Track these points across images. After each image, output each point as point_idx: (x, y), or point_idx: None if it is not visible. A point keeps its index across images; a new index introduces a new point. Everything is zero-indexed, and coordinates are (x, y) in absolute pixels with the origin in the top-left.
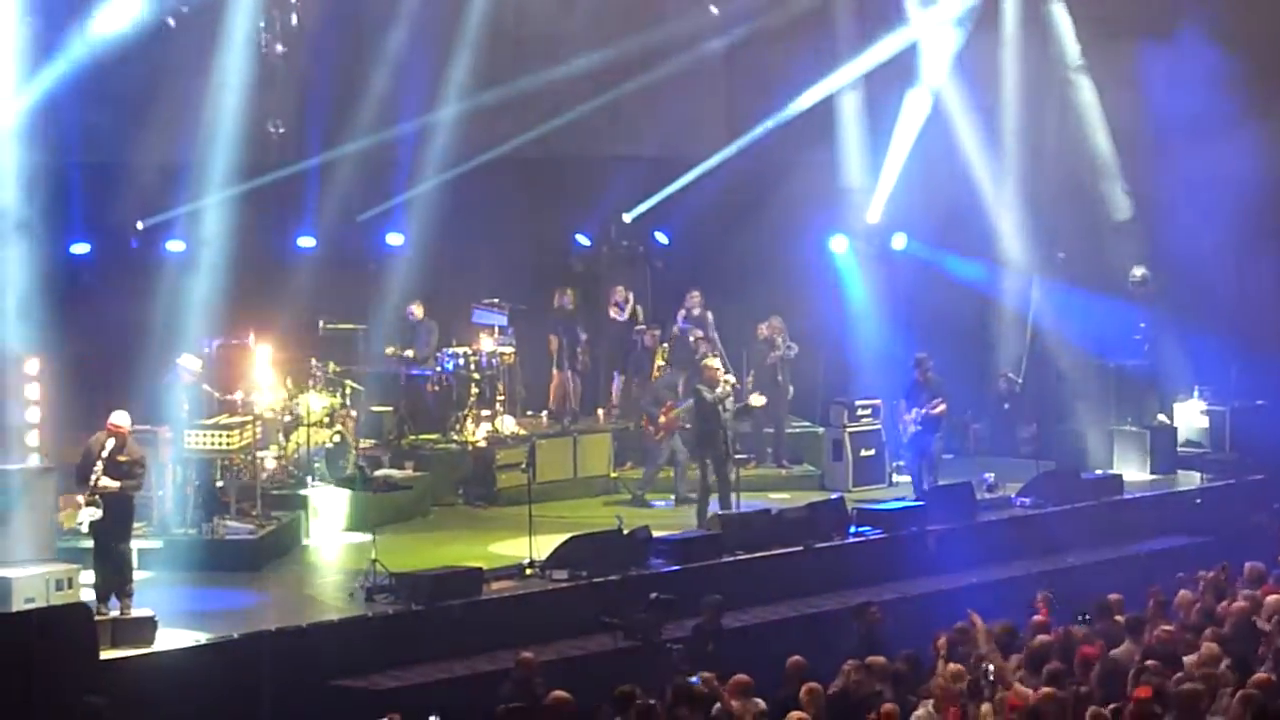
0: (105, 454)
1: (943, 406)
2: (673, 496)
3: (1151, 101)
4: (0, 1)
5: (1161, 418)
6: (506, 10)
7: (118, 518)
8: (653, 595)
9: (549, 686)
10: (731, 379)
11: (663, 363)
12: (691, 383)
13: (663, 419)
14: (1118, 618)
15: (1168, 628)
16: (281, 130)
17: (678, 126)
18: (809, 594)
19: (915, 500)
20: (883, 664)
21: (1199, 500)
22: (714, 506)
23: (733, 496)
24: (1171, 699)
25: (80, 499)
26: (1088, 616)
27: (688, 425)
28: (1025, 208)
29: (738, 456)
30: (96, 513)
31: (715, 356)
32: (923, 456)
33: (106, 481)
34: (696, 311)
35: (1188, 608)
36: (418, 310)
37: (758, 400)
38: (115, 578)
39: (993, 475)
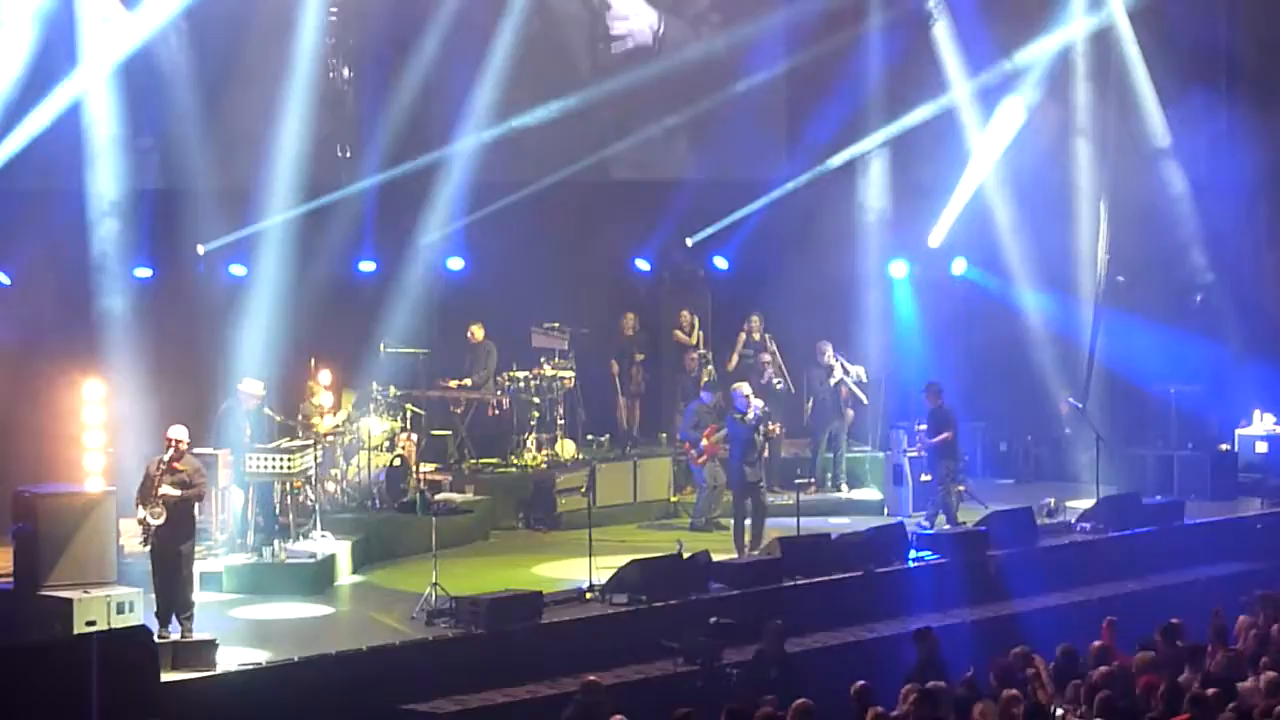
0: (164, 463)
1: (946, 435)
2: (702, 519)
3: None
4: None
5: (1223, 445)
6: (570, 30)
7: (179, 533)
8: (713, 619)
9: (610, 710)
10: (760, 403)
11: (704, 387)
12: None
13: (705, 442)
14: (1178, 643)
15: (1227, 652)
16: (349, 155)
17: (737, 149)
18: (869, 619)
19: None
20: (943, 689)
21: (1259, 525)
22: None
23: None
24: None
25: (142, 512)
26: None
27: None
28: (1090, 232)
29: (798, 481)
30: (160, 516)
31: (778, 381)
32: (934, 486)
33: (168, 489)
34: (757, 336)
35: (1244, 633)
36: (477, 332)
37: (775, 428)
38: (176, 600)
39: (1053, 500)
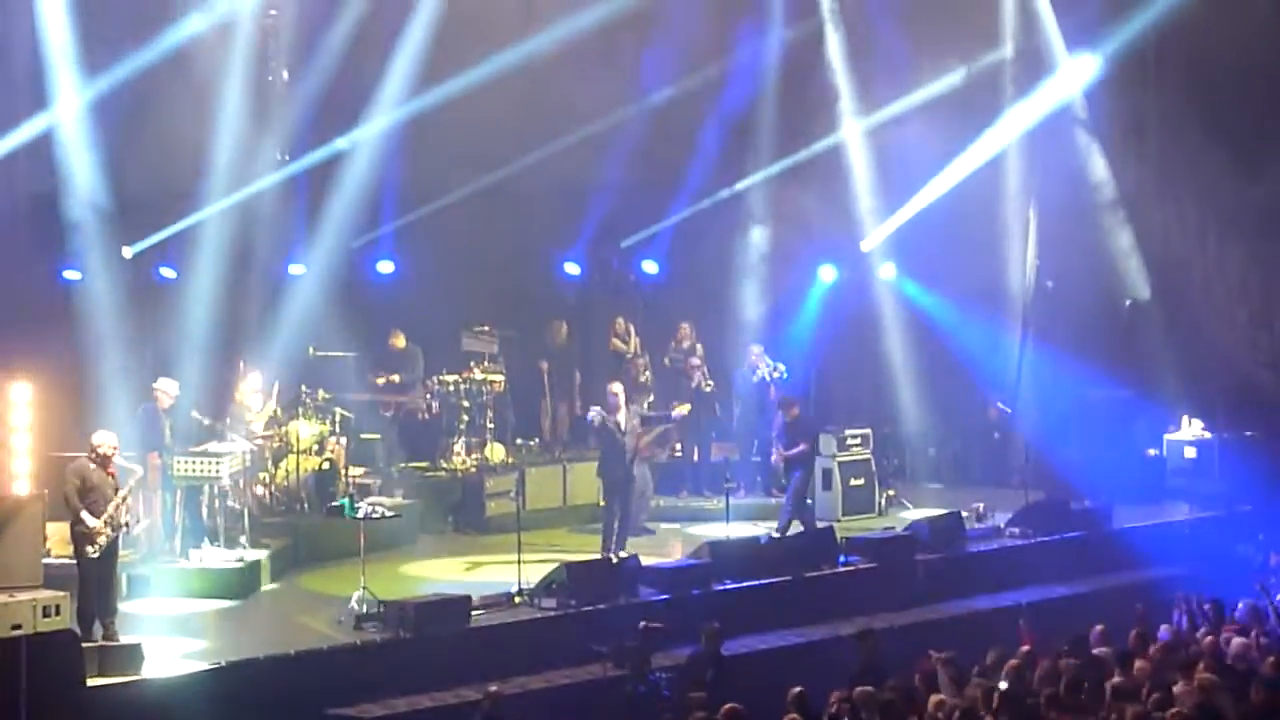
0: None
1: (802, 448)
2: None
3: None
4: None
5: (1151, 450)
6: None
7: (113, 538)
8: (642, 623)
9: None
10: (631, 408)
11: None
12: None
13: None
14: (1096, 651)
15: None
16: (286, 159)
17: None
18: (798, 623)
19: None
20: (870, 694)
21: (1188, 530)
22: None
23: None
24: None
25: (94, 522)
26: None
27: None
28: (1019, 237)
29: (726, 485)
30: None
31: (708, 385)
32: (788, 495)
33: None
34: (686, 344)
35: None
36: (399, 341)
37: (681, 409)
38: (101, 604)
39: (982, 505)
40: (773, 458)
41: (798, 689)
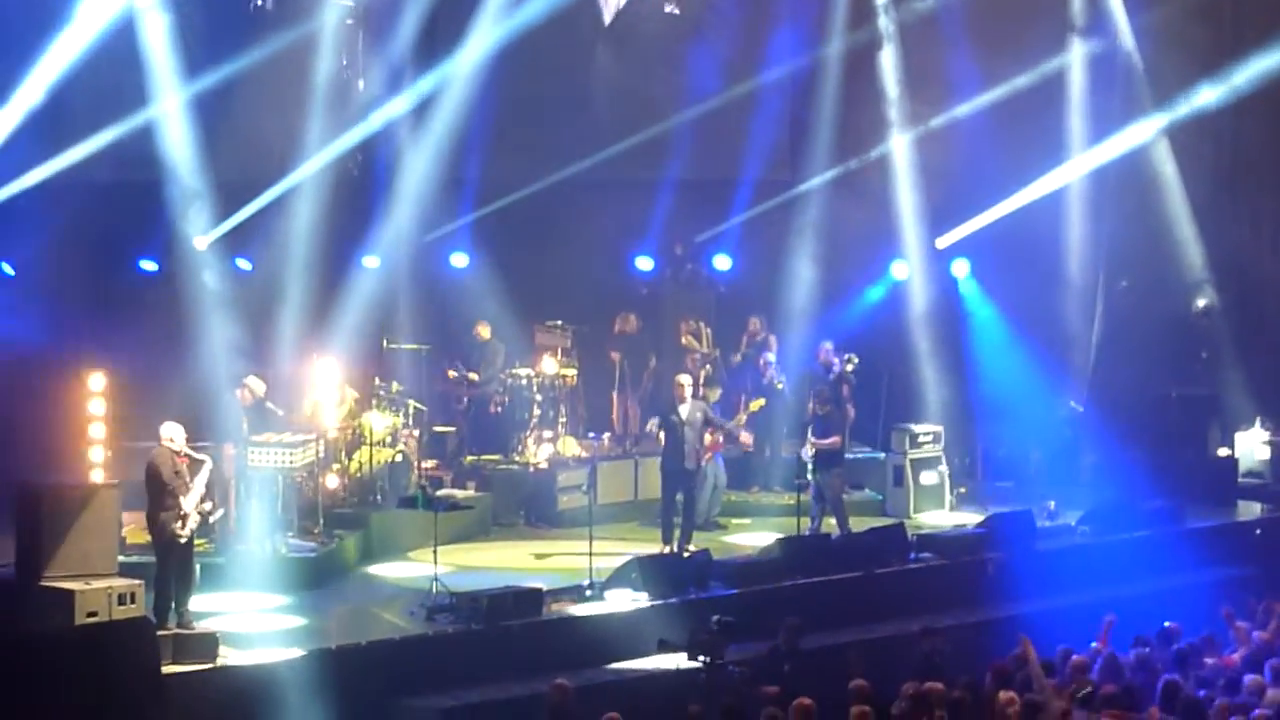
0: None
1: (835, 440)
2: (703, 518)
3: None
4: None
5: (1223, 450)
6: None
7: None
8: (715, 618)
9: (602, 710)
10: (702, 402)
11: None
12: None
13: (706, 438)
14: (1175, 646)
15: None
16: (360, 159)
17: (741, 149)
18: (869, 620)
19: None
20: (940, 690)
21: (1259, 531)
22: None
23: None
24: None
25: (191, 506)
26: None
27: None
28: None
29: (798, 481)
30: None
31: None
32: (816, 492)
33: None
34: (759, 339)
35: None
36: (484, 332)
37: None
38: (178, 593)
39: (1054, 503)
40: (806, 451)
41: (859, 681)
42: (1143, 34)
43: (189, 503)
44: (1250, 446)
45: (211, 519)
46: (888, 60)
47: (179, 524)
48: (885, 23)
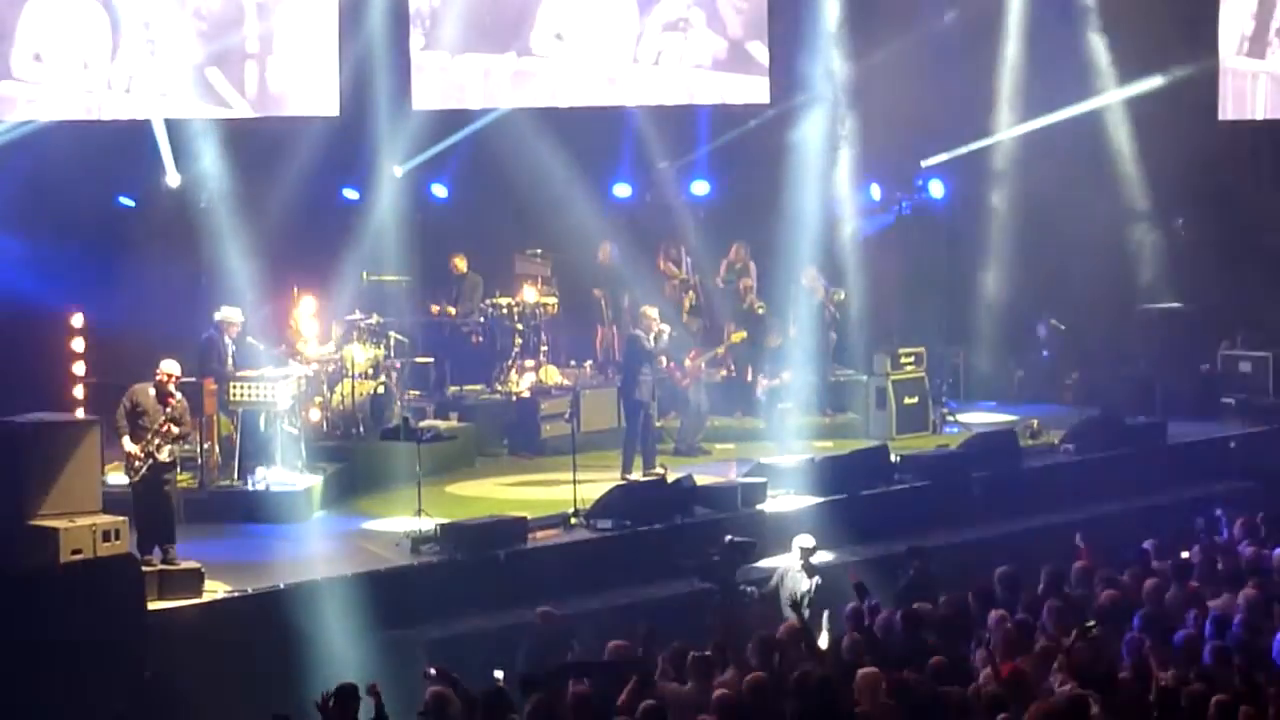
0: (161, 398)
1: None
2: (685, 444)
3: None
4: None
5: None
6: None
7: (166, 465)
8: (728, 538)
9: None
10: (667, 328)
11: (689, 312)
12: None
13: (688, 364)
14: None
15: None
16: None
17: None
18: (852, 542)
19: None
20: (926, 610)
21: (1233, 444)
22: None
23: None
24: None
25: (131, 445)
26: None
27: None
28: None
29: (781, 406)
30: (168, 454)
31: (760, 306)
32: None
33: (172, 428)
34: (739, 265)
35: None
36: (460, 264)
37: (737, 336)
38: (160, 530)
39: (1036, 422)
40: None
41: (851, 605)
42: None
43: (133, 445)
44: (1233, 361)
45: (161, 459)
46: None
47: (130, 466)
48: None
